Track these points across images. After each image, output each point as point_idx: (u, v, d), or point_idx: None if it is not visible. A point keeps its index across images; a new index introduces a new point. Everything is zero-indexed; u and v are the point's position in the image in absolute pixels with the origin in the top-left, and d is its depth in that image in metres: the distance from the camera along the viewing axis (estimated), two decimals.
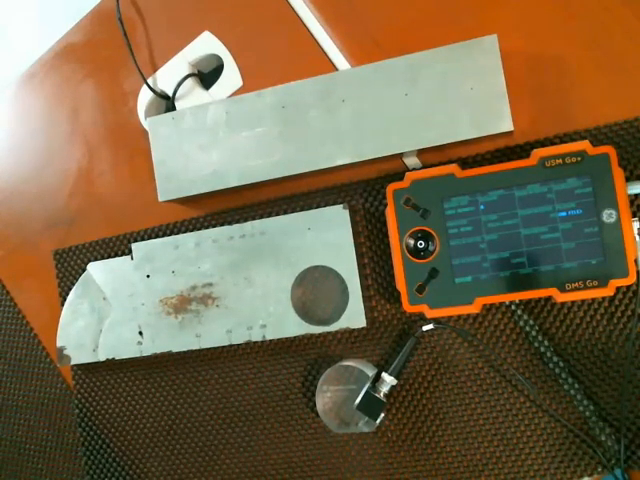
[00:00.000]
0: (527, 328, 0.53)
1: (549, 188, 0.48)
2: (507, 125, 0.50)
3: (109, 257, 0.65)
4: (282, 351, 0.59)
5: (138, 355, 0.60)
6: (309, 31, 0.59)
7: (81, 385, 0.66)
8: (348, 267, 0.54)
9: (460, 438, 0.54)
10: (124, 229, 0.65)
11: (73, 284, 0.65)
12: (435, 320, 0.54)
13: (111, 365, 0.65)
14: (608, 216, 0.47)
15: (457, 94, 0.51)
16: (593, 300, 0.51)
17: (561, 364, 0.52)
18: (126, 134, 0.66)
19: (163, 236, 0.63)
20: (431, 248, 0.50)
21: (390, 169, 0.57)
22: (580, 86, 0.52)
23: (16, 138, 0.71)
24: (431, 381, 0.55)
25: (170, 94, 0.63)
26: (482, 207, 0.49)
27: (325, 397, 0.55)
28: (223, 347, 0.61)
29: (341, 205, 0.55)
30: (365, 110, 0.53)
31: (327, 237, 0.55)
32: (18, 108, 0.71)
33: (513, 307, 0.53)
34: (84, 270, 0.65)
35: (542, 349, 0.53)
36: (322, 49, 0.59)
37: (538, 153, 0.48)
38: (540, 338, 0.53)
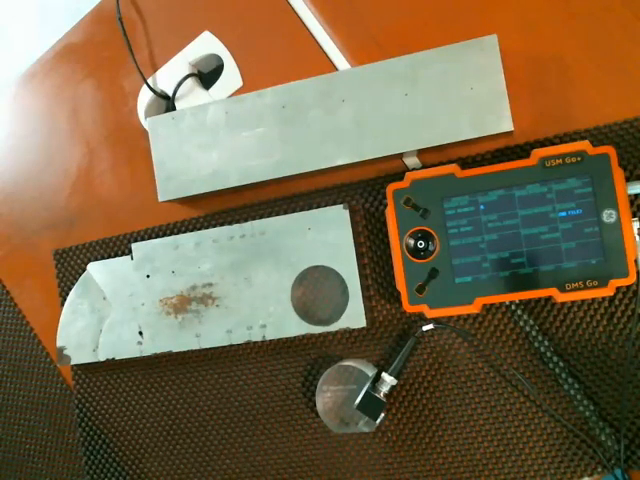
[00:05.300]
0: (527, 328, 0.53)
1: (549, 188, 0.48)
2: (507, 125, 0.50)
3: (109, 257, 0.65)
4: (282, 351, 0.59)
5: (138, 355, 0.60)
6: (309, 31, 0.59)
7: (81, 385, 0.66)
8: (348, 267, 0.54)
9: (460, 438, 0.54)
10: (124, 229, 0.65)
11: (73, 284, 0.65)
12: (435, 320, 0.54)
13: (111, 365, 0.65)
14: (608, 216, 0.47)
15: (457, 94, 0.51)
16: (593, 300, 0.51)
17: (561, 364, 0.52)
18: (126, 134, 0.66)
19: (163, 236, 0.63)
20: (431, 248, 0.50)
21: (390, 169, 0.57)
22: (580, 86, 0.52)
23: (16, 138, 0.71)
24: (431, 381, 0.55)
25: (170, 94, 0.63)
26: (482, 207, 0.49)
27: (325, 397, 0.55)
28: (223, 347, 0.61)
29: (341, 205, 0.55)
30: (365, 110, 0.53)
31: (327, 237, 0.55)
32: (18, 108, 0.71)
33: (513, 307, 0.53)
34: (84, 270, 0.65)
35: (542, 349, 0.53)
36: (322, 49, 0.59)
37: (538, 153, 0.48)
38: (540, 338, 0.53)
